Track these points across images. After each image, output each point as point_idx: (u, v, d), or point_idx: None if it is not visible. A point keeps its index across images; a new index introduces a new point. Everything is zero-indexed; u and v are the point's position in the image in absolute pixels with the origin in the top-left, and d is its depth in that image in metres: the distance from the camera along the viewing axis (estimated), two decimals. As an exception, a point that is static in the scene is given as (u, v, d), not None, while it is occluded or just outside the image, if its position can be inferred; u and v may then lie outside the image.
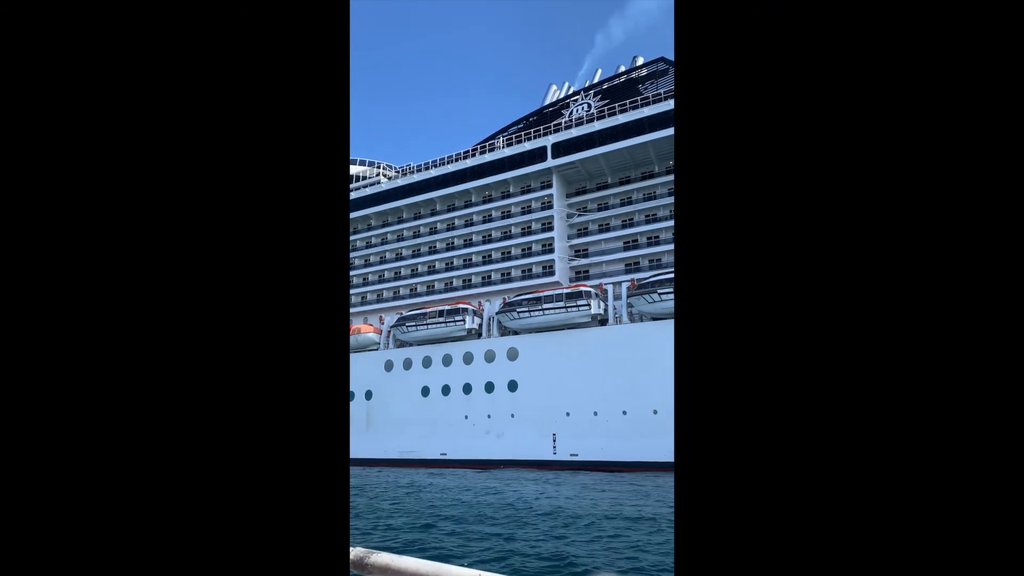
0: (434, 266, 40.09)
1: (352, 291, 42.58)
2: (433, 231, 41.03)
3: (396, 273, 41.86)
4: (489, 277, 37.52)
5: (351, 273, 42.95)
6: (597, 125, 34.44)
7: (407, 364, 35.35)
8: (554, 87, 44.78)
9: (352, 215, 43.59)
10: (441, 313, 34.57)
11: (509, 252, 37.35)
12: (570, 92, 41.43)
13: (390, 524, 13.32)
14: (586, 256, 35.58)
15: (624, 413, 27.84)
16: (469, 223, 39.58)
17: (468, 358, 33.25)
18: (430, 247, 40.87)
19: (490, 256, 38.12)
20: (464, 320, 33.86)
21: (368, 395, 36.23)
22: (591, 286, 31.67)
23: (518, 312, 31.85)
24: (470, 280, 38.28)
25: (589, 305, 30.10)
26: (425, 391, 34.25)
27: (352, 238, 44.08)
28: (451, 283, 39.08)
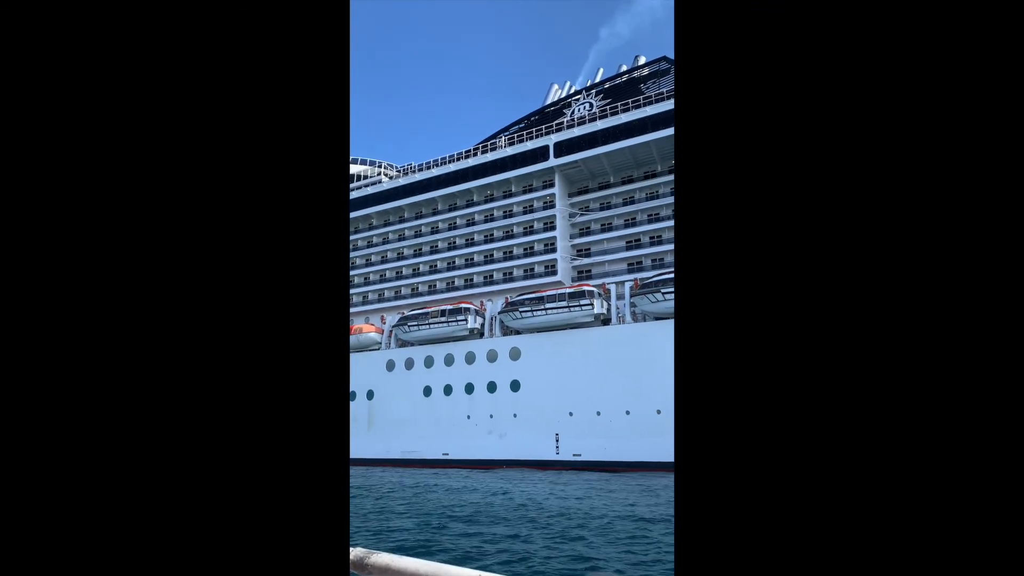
0: (436, 265, 40.11)
1: (354, 290, 42.62)
2: (435, 230, 41.04)
3: (398, 272, 41.87)
4: (491, 276, 37.52)
5: (353, 272, 42.99)
6: (600, 124, 34.42)
7: (409, 364, 35.35)
8: (555, 86, 44.81)
9: (354, 214, 43.62)
10: (443, 313, 34.57)
11: (511, 251, 37.35)
12: (571, 91, 41.44)
13: (401, 526, 13.19)
14: (588, 255, 35.57)
15: (627, 413, 27.82)
16: (471, 222, 39.58)
17: (470, 358, 33.24)
18: (432, 246, 40.88)
19: (492, 255, 38.11)
20: (466, 320, 33.86)
21: (370, 395, 36.25)
22: (594, 285, 31.66)
23: (520, 312, 31.85)
24: (472, 279, 38.29)
25: (592, 305, 30.08)
26: (427, 391, 34.25)
27: (354, 237, 44.11)
28: (453, 282, 39.09)
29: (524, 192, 37.89)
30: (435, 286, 39.60)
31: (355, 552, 1.89)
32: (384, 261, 42.79)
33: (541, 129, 37.88)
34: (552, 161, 35.75)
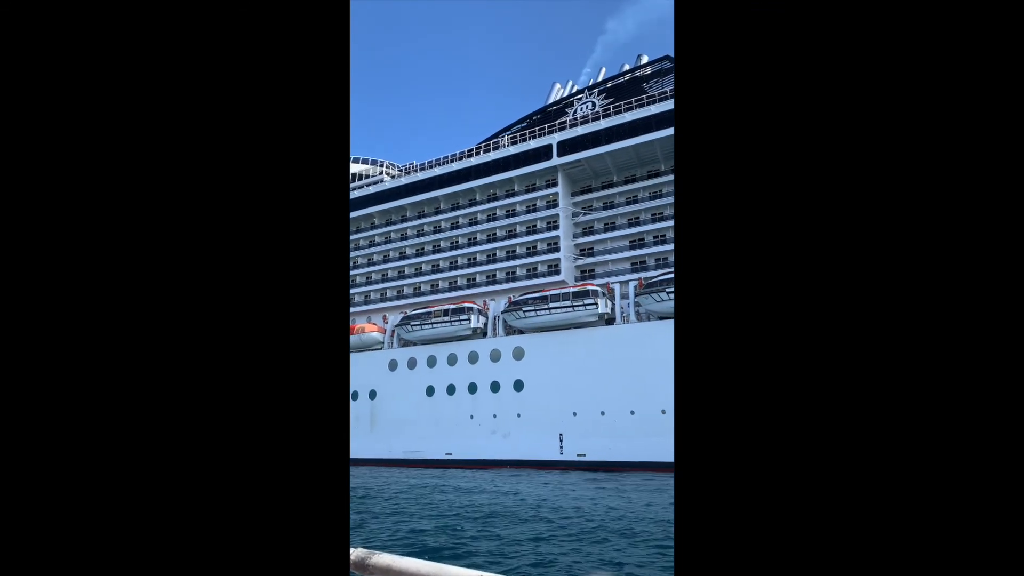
0: (438, 265, 40.11)
1: (355, 290, 42.66)
2: (437, 229, 41.05)
3: (400, 272, 41.88)
4: (494, 276, 37.51)
5: (355, 272, 43.03)
6: (603, 123, 34.37)
7: (411, 363, 35.37)
8: (558, 85, 44.79)
9: (355, 214, 43.66)
10: (446, 312, 34.57)
11: (514, 251, 37.33)
12: (574, 91, 41.40)
13: (414, 527, 12.94)
14: (591, 255, 35.55)
15: (632, 413, 27.80)
16: (473, 222, 39.58)
17: (473, 357, 33.25)
18: (434, 246, 40.87)
19: (495, 255, 38.10)
20: (469, 319, 33.86)
21: (372, 395, 36.28)
22: (598, 285, 31.63)
23: (524, 311, 31.84)
24: (474, 279, 38.28)
25: (596, 304, 30.05)
26: (430, 391, 34.27)
27: (355, 237, 44.14)
28: (455, 282, 39.10)
29: (527, 191, 37.85)
30: (438, 285, 39.60)
31: (356, 553, 1.89)
32: (387, 260, 42.80)
33: (544, 128, 37.83)
34: (555, 160, 35.69)
